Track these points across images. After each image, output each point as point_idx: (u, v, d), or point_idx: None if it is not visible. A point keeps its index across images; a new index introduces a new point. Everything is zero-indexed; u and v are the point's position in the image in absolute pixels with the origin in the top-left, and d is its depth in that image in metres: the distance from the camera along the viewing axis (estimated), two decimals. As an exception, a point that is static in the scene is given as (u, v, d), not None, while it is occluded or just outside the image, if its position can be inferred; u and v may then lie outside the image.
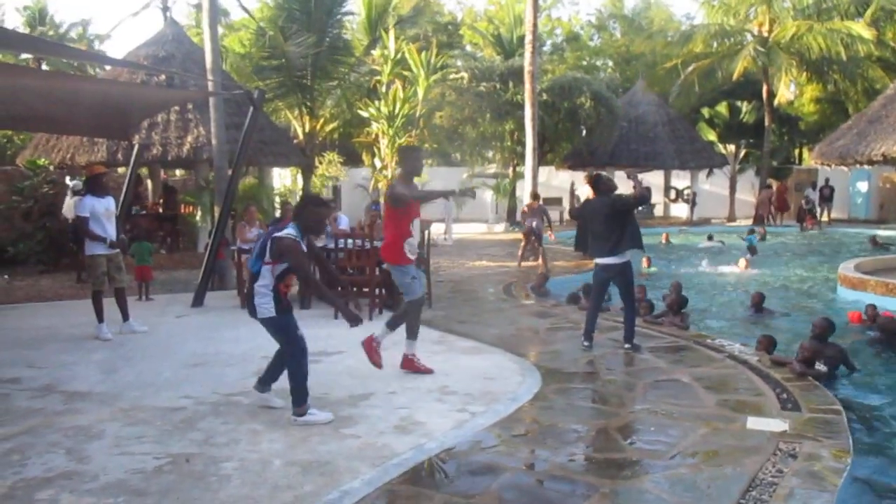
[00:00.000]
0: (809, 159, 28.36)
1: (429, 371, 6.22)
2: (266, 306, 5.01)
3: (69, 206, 12.78)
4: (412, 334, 6.27)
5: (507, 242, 19.38)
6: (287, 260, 4.93)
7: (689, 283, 11.73)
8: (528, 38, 16.18)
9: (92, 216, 7.76)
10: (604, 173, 7.92)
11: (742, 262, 14.61)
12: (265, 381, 5.40)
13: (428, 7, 34.16)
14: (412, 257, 6.11)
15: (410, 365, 6.28)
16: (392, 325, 6.23)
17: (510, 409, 5.33)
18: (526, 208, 15.60)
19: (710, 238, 19.44)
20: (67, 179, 14.90)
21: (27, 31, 32.82)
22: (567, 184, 27.81)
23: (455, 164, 32.62)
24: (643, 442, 4.65)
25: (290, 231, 4.97)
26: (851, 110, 27.65)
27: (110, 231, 7.92)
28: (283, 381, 5.14)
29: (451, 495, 3.91)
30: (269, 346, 7.40)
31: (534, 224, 14.61)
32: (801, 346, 6.46)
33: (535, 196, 16.57)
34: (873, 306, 8.92)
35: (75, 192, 12.85)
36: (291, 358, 5.09)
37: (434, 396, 5.64)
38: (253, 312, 5.07)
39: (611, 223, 6.99)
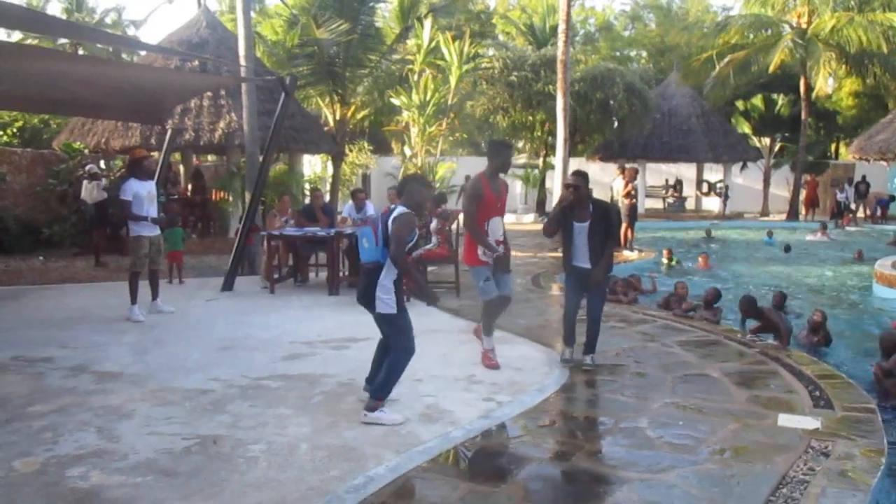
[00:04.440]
0: (847, 154, 27.80)
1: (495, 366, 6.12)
2: (388, 302, 4.67)
3: (87, 191, 12.95)
4: (486, 330, 6.27)
5: (536, 233, 19.26)
6: (394, 231, 4.60)
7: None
8: (562, 27, 15.98)
9: (135, 199, 7.95)
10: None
11: (700, 259, 13.91)
12: (373, 380, 5.03)
13: (461, -5, 34.02)
14: (485, 259, 6.01)
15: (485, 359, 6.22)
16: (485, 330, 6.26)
17: (537, 399, 5.30)
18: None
19: (824, 228, 19.80)
20: (101, 163, 15.09)
21: (65, 17, 33.28)
22: (599, 175, 27.12)
23: (485, 153, 32.52)
24: (671, 436, 4.59)
25: (403, 209, 4.71)
26: (891, 105, 27.04)
27: (153, 214, 8.19)
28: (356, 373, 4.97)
29: (476, 484, 3.90)
30: (298, 331, 7.48)
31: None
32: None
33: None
34: None
35: (91, 176, 13.01)
36: (400, 352, 4.76)
37: (461, 385, 5.63)
38: (370, 306, 4.73)
39: None
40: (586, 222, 6.08)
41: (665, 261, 13.69)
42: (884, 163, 24.99)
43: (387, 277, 4.68)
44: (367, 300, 4.73)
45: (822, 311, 7.88)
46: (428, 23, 17.82)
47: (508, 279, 6.24)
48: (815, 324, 7.70)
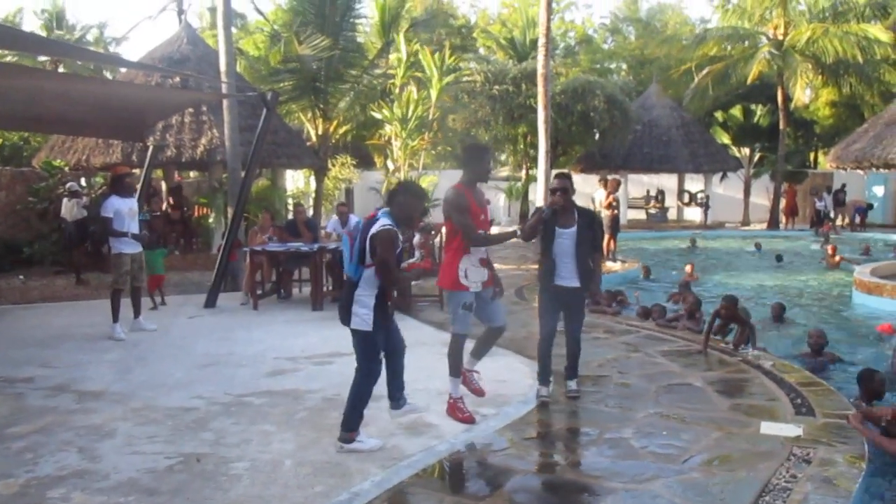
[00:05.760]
0: (825, 163, 28.11)
1: (468, 420, 5.15)
2: (365, 318, 4.48)
3: (67, 209, 12.87)
4: (453, 371, 5.30)
5: (519, 245, 19.32)
6: (375, 250, 4.39)
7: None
8: (542, 40, 16.09)
9: (116, 216, 7.92)
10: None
11: (688, 268, 13.95)
12: (394, 396, 4.86)
13: (441, 10, 34.22)
14: (467, 283, 5.12)
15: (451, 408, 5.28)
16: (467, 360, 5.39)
17: (521, 411, 5.32)
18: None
19: (826, 240, 19.20)
20: (82, 181, 14.99)
21: (44, 34, 33.08)
22: (581, 186, 27.08)
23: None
24: (655, 446, 4.61)
25: (385, 221, 4.45)
26: (867, 114, 27.39)
27: (134, 230, 8.16)
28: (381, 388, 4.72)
29: (462, 497, 3.90)
30: (281, 347, 7.45)
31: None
32: None
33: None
34: None
35: (72, 194, 12.93)
36: (363, 376, 4.60)
37: (445, 398, 5.61)
38: (346, 320, 4.56)
39: None
40: (572, 228, 5.52)
41: (642, 276, 13.85)
42: (860, 171, 25.32)
43: (365, 292, 4.48)
44: (344, 314, 4.56)
45: (820, 330, 7.73)
46: (404, 36, 17.93)
47: (500, 307, 5.45)
48: (816, 343, 7.52)
